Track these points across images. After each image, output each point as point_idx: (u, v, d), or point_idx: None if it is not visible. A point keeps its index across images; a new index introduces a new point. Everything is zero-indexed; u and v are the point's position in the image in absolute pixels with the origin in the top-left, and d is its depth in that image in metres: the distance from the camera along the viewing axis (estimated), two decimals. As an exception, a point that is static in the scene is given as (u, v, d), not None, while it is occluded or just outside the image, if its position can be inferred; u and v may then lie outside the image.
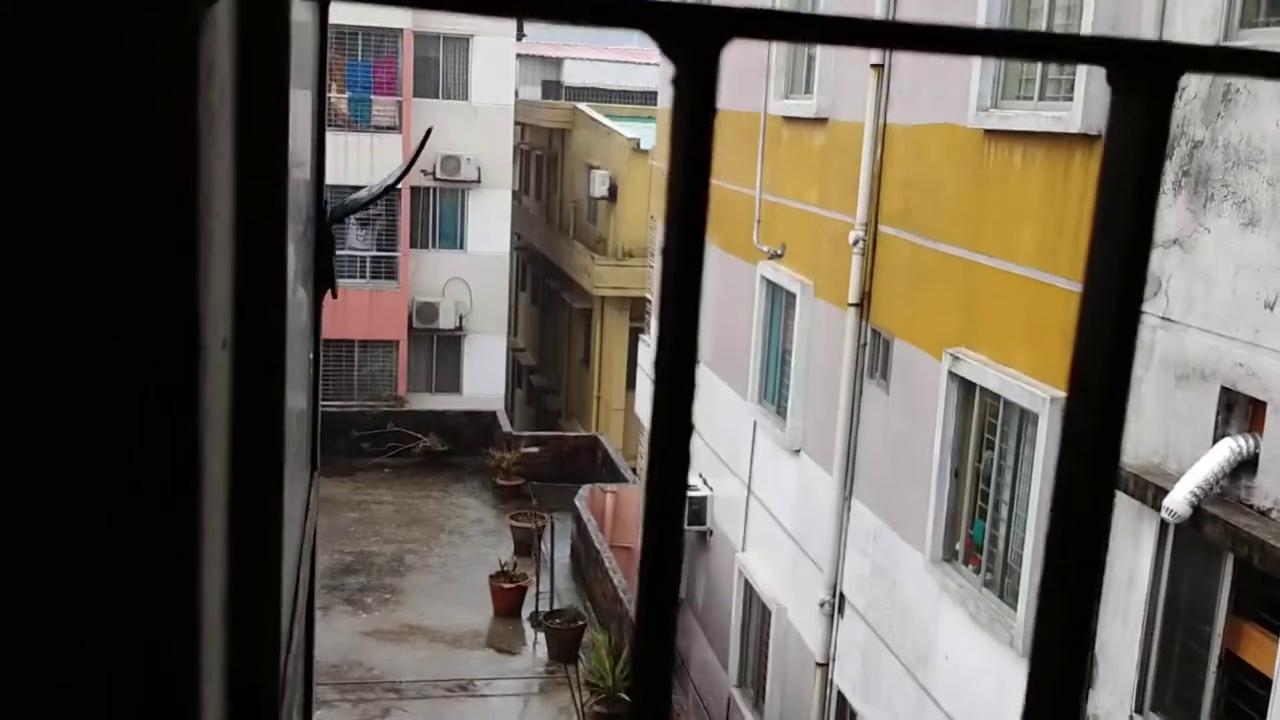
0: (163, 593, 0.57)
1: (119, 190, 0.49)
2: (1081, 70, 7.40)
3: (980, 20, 8.58)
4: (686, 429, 0.41)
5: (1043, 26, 8.13)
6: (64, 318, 0.50)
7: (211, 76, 0.56)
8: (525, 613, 17.25)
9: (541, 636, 16.46)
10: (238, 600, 0.85)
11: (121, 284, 0.50)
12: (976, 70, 8.62)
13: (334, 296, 2.06)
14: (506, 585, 17.25)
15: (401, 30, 25.05)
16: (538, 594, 17.13)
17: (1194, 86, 6.49)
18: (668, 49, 0.37)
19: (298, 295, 1.60)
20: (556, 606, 16.89)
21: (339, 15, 23.80)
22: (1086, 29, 7.36)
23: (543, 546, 17.99)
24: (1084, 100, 7.37)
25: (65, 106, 0.48)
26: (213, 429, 0.65)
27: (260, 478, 0.89)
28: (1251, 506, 6.06)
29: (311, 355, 1.93)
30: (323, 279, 1.98)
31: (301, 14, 1.61)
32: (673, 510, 0.42)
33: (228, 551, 0.80)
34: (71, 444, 0.52)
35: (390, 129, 25.02)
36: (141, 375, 0.52)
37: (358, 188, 23.85)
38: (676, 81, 0.38)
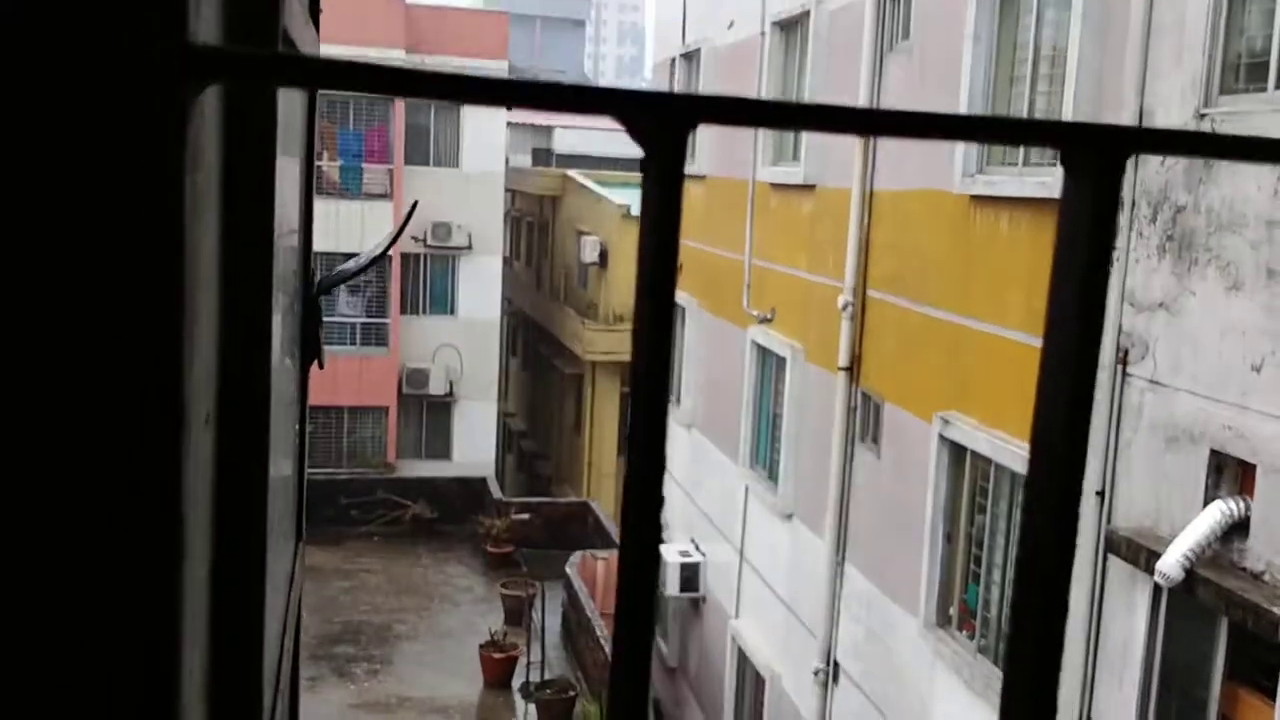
0: (143, 667, 0.56)
1: (105, 273, 0.50)
2: (1064, 137, 7.49)
3: (963, 92, 8.71)
4: (657, 486, 0.43)
5: (1025, 96, 8.25)
6: (47, 394, 0.50)
7: (199, 162, 0.57)
8: (516, 683, 17.02)
9: (532, 708, 16.21)
10: (219, 673, 0.84)
11: (107, 363, 0.51)
12: (961, 137, 8.72)
13: (320, 367, 2.06)
14: (497, 655, 17.03)
15: (393, 99, 25.33)
16: (528, 664, 16.91)
17: (1175, 152, 6.57)
18: (636, 134, 0.39)
19: (284, 365, 1.60)
20: (547, 676, 16.67)
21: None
22: (1069, 99, 7.47)
23: (533, 615, 17.80)
24: (1067, 166, 7.45)
25: (55, 190, 0.49)
26: (195, 505, 0.65)
27: (243, 553, 0.89)
28: (1244, 569, 6.03)
29: (297, 426, 1.92)
30: (309, 350, 1.98)
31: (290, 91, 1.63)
32: (647, 558, 0.43)
33: (210, 624, 0.79)
34: (54, 519, 0.52)
35: (381, 196, 25.21)
36: (124, 452, 0.52)
37: (349, 255, 23.97)
38: (644, 164, 0.40)
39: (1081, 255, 0.47)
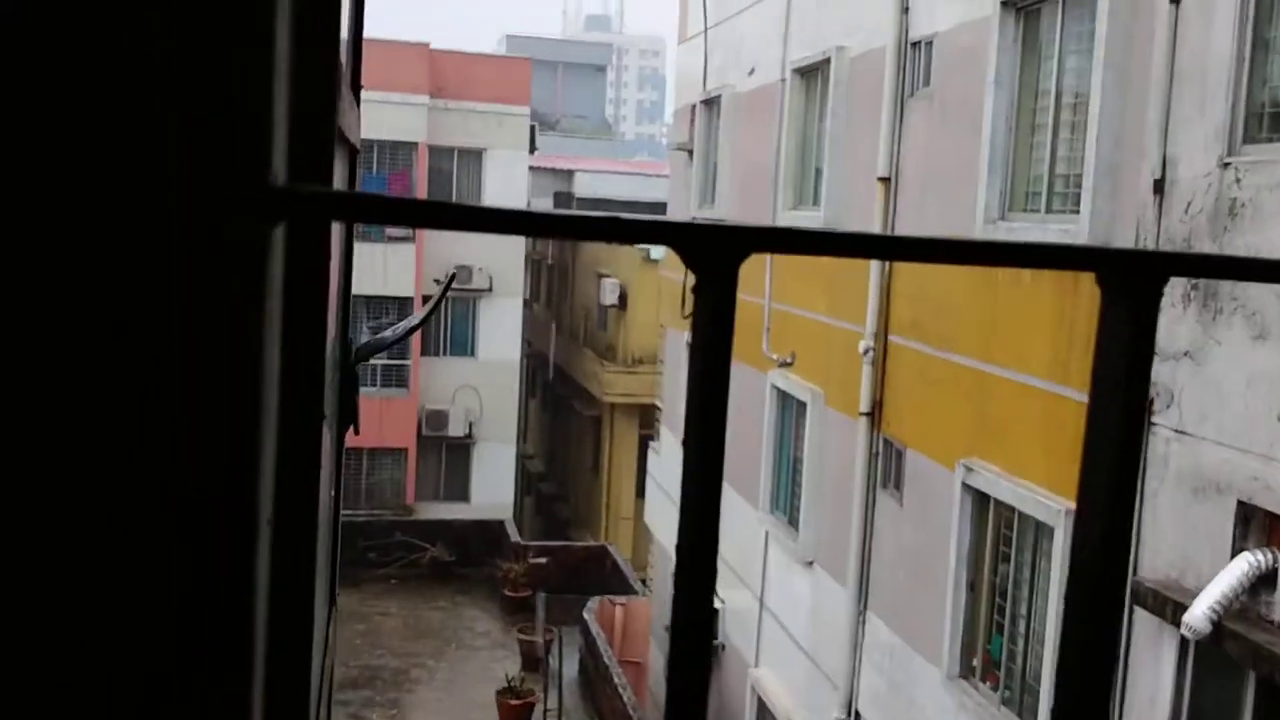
0: None
1: (196, 401, 0.54)
2: (1088, 182, 7.50)
3: (984, 139, 8.71)
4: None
5: (1047, 144, 8.26)
6: (141, 506, 0.54)
7: (273, 289, 0.62)
8: (532, 729, 16.88)
9: (549, 754, 16.07)
10: None
11: (196, 479, 0.54)
12: (983, 183, 8.74)
13: (356, 433, 2.08)
14: (513, 702, 16.91)
15: (416, 144, 25.58)
16: (545, 710, 16.78)
17: (1199, 200, 6.56)
18: (690, 263, 0.42)
19: (325, 440, 1.63)
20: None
21: (355, 129, 24.28)
22: (1090, 146, 7.47)
23: (550, 661, 17.68)
24: (1091, 213, 7.45)
25: (145, 323, 0.53)
26: (260, 603, 0.69)
27: (294, 647, 0.93)
28: (1272, 622, 5.94)
29: (334, 491, 1.93)
30: (346, 417, 1.99)
31: (343, 166, 1.66)
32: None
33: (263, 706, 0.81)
34: (138, 615, 0.55)
35: (404, 239, 25.38)
36: (201, 559, 0.55)
37: (372, 297, 23.81)
38: (697, 289, 0.42)
39: (1120, 378, 0.47)
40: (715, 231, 0.41)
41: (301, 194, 0.54)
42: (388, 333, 3.51)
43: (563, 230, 0.44)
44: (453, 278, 5.59)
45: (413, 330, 3.72)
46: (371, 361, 25.72)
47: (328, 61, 0.95)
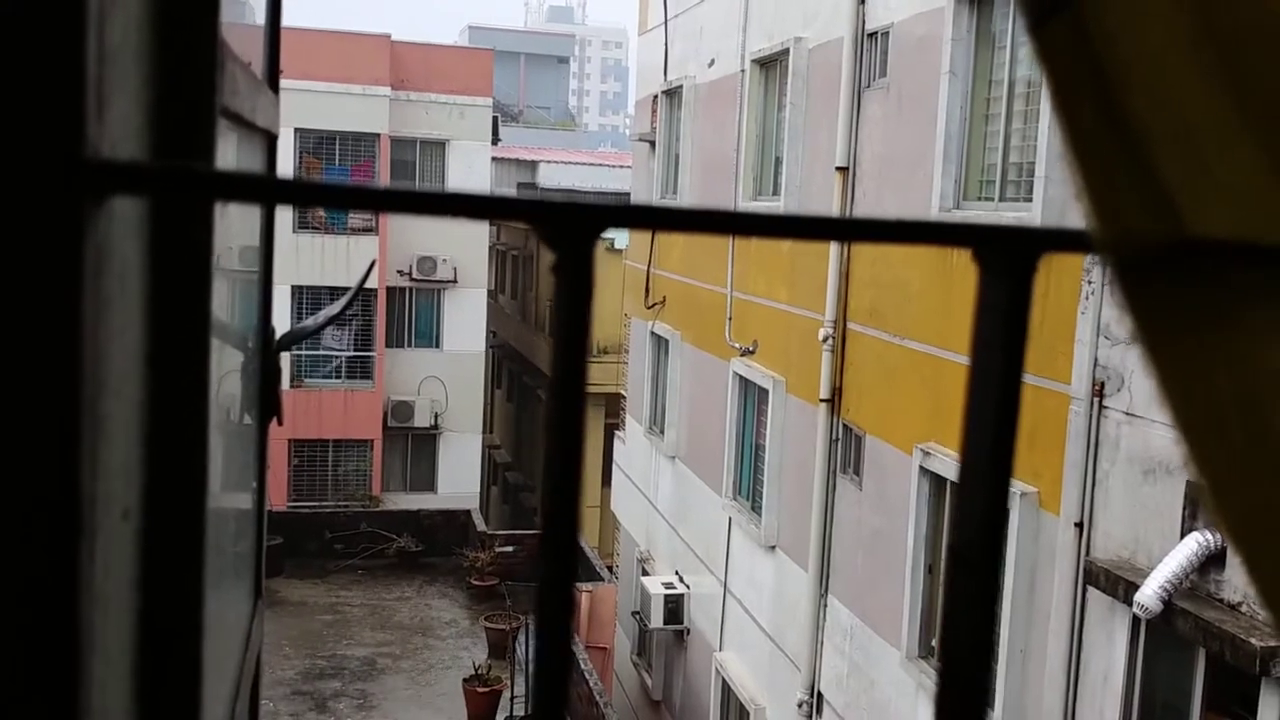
0: None
1: None
2: (1040, 170, 7.62)
3: (939, 128, 8.82)
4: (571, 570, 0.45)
5: (1000, 133, 8.38)
6: None
7: (107, 265, 0.58)
8: (500, 717, 16.92)
9: (517, 741, 16.13)
10: None
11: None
12: (938, 172, 8.85)
13: (279, 424, 2.08)
14: (481, 689, 16.94)
15: (378, 135, 25.45)
16: (512, 697, 16.83)
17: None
18: (546, 240, 0.42)
19: (240, 428, 1.62)
20: (531, 710, 16.56)
21: (316, 121, 24.15)
22: (1043, 134, 7.59)
23: (517, 648, 17.73)
24: (1043, 201, 7.57)
25: None
26: (112, 609, 0.65)
27: (177, 658, 0.87)
28: (1221, 600, 6.09)
29: (256, 483, 1.93)
30: (268, 408, 1.98)
31: (252, 152, 1.65)
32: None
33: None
34: None
35: (367, 231, 25.25)
36: (15, 562, 0.51)
37: (335, 288, 23.51)
38: (555, 266, 0.43)
39: (997, 355, 0.47)
40: (568, 209, 0.42)
41: (125, 169, 0.50)
42: (309, 321, 3.51)
43: (407, 206, 0.43)
44: (371, 266, 5.51)
45: (334, 319, 3.71)
46: (336, 353, 25.64)
47: (201, 40, 0.90)
